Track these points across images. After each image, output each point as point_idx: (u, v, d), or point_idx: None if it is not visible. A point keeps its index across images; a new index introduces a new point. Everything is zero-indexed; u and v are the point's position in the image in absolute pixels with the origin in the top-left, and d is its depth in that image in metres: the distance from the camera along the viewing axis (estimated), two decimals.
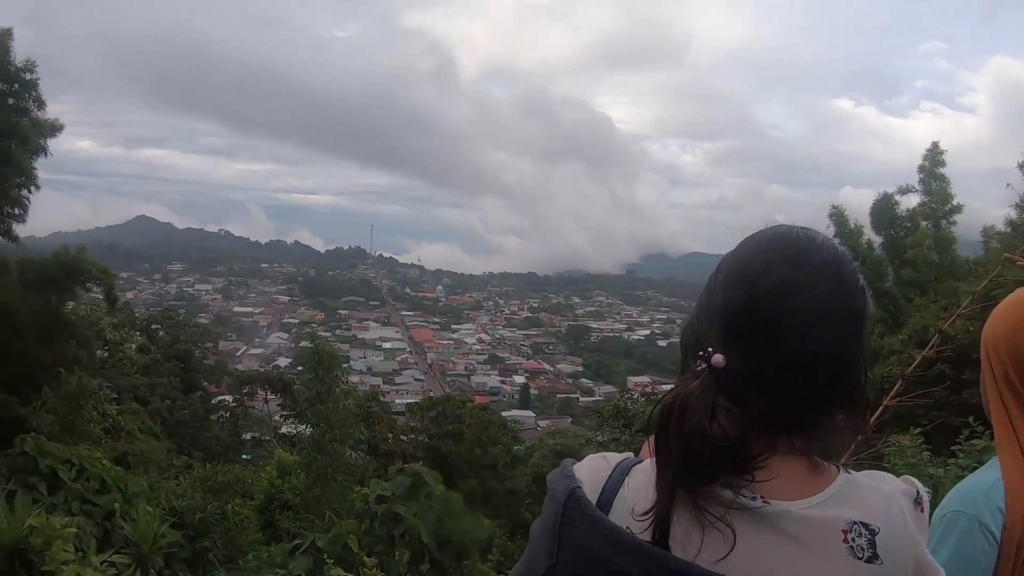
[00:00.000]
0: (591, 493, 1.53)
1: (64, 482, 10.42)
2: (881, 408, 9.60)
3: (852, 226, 26.77)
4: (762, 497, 1.41)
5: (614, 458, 1.65)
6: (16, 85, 18.54)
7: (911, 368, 9.75)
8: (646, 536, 1.42)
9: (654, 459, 1.47)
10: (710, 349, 1.44)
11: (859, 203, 27.53)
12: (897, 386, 9.71)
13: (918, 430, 10.33)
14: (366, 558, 6.71)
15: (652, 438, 1.47)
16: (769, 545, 1.39)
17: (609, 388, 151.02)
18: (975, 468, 2.56)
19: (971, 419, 10.51)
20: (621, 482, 1.57)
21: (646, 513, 1.43)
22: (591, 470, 1.60)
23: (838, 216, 26.84)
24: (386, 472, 9.36)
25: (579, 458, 1.72)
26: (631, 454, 1.74)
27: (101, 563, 7.35)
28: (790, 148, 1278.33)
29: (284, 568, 8.20)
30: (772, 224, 1.65)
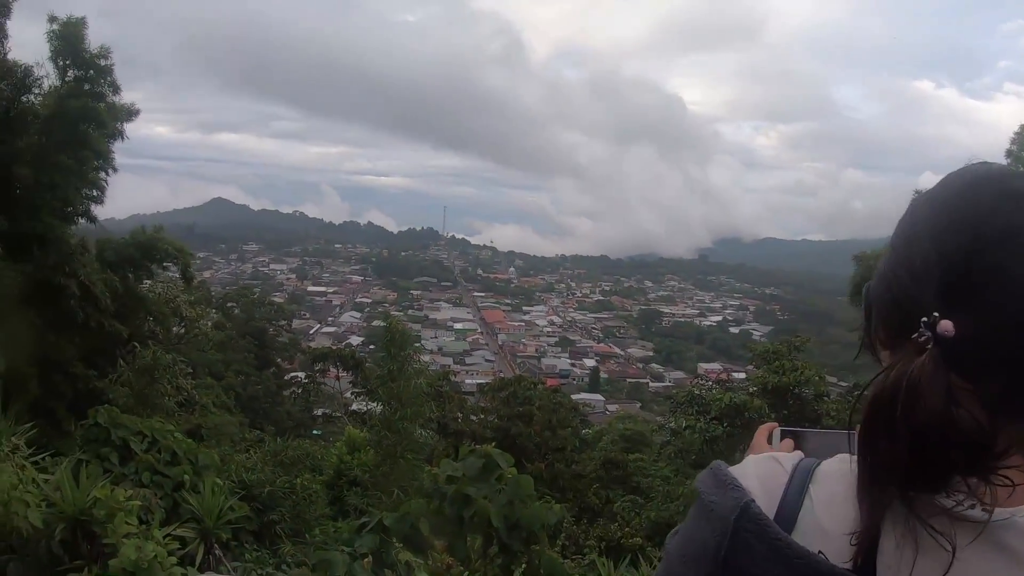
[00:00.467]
0: (767, 507, 1.23)
1: (135, 453, 10.48)
2: None
3: None
4: (980, 503, 1.10)
5: (788, 459, 1.36)
6: (91, 71, 18.79)
7: None
8: (844, 561, 1.13)
9: (855, 459, 1.18)
10: (935, 314, 1.11)
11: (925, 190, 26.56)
12: None
13: None
14: (435, 541, 6.59)
15: (857, 432, 1.15)
16: (987, 564, 1.09)
17: (679, 374, 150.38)
18: None
19: None
20: (803, 491, 1.27)
21: (851, 533, 1.13)
22: (763, 476, 1.31)
23: None
24: (457, 452, 9.19)
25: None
26: (801, 452, 1.48)
27: (164, 536, 7.28)
28: (868, 131, 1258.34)
29: (350, 546, 8.12)
30: (972, 166, 1.31)
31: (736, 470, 1.31)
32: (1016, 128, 27.56)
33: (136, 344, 19.48)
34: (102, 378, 18.76)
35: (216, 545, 9.14)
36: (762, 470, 1.32)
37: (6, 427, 9.94)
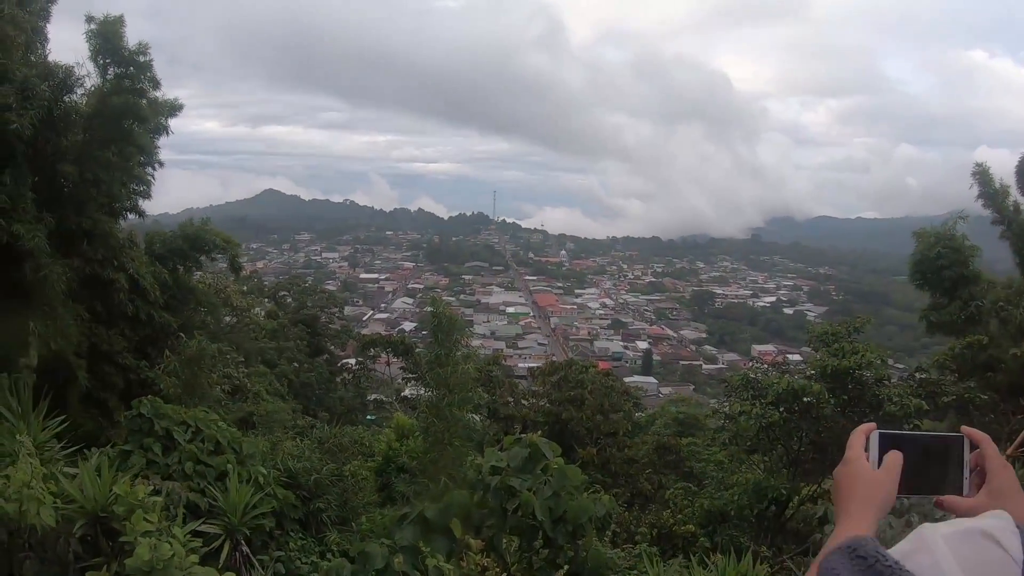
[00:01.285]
0: None
1: (179, 443, 10.42)
2: None
3: (997, 186, 25.08)
4: None
5: (1003, 531, 1.15)
6: (131, 68, 18.84)
7: None
8: None
9: None
10: None
11: (996, 163, 25.70)
12: None
13: None
14: (471, 540, 6.37)
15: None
16: None
17: (733, 356, 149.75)
18: None
19: None
20: None
21: None
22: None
23: (983, 175, 25.16)
24: (504, 440, 8.95)
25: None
26: (1009, 516, 1.22)
27: (186, 535, 7.11)
28: (920, 105, 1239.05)
29: (390, 538, 7.94)
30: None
31: (920, 559, 1.05)
32: None
33: (182, 335, 19.54)
34: (153, 368, 18.89)
35: (243, 542, 8.98)
36: (972, 556, 1.05)
37: (36, 423, 9.90)
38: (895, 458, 1.55)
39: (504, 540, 7.59)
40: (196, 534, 7.82)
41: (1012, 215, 24.95)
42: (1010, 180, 25.75)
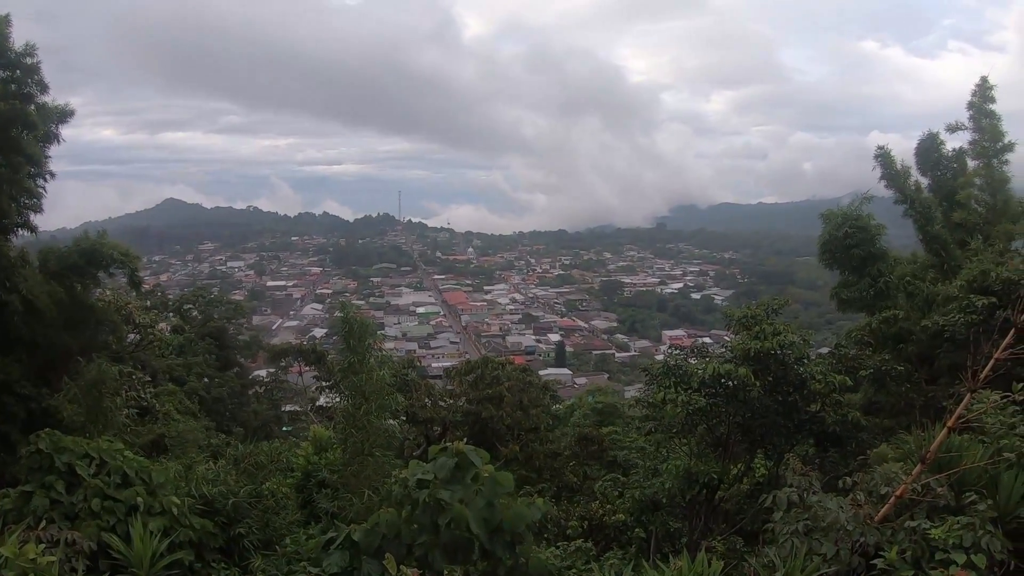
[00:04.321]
0: None
1: (83, 479, 9.76)
2: (992, 362, 8.80)
3: (899, 168, 25.63)
4: None
5: None
6: (17, 71, 17.90)
7: None
8: None
9: None
10: None
11: (888, 147, 26.45)
12: (1009, 336, 8.90)
13: (1022, 385, 9.49)
14: (407, 570, 6.00)
15: None
16: None
17: (644, 343, 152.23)
18: None
19: None
20: None
21: None
22: None
23: (885, 157, 25.69)
24: (428, 442, 8.58)
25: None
26: None
27: None
28: (815, 93, 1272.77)
29: (317, 565, 7.52)
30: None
31: None
32: (970, 81, 27.29)
33: (80, 358, 18.63)
34: (55, 396, 17.96)
35: None
36: None
37: None
38: None
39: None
40: None
41: (914, 194, 25.52)
42: (908, 162, 26.37)
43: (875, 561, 7.70)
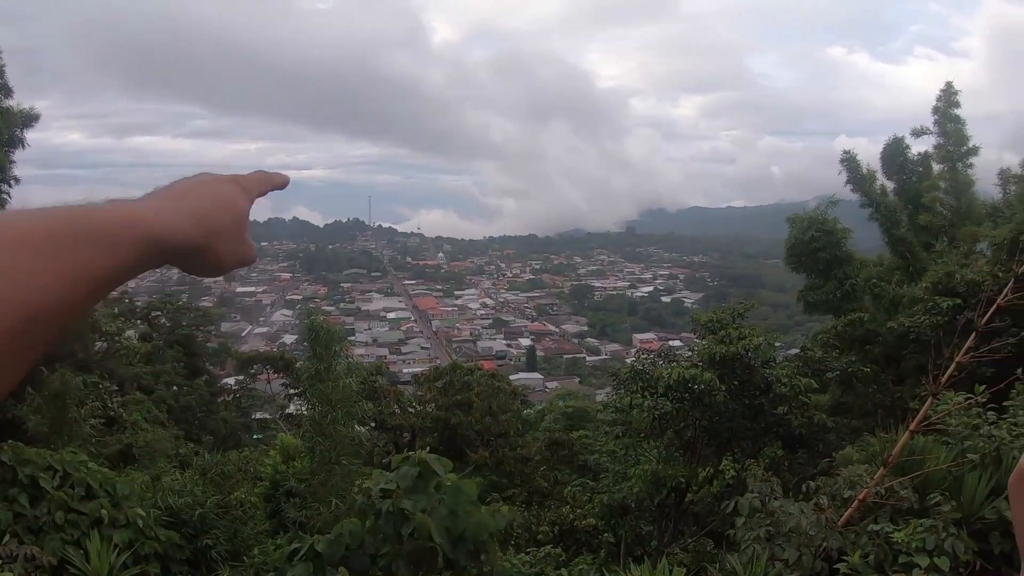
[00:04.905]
0: None
1: (47, 491, 9.65)
2: (954, 364, 8.91)
3: (865, 172, 25.94)
4: None
5: None
6: None
7: (985, 319, 9.01)
8: None
9: None
10: None
11: (856, 151, 26.88)
12: (971, 339, 9.02)
13: (984, 387, 9.61)
14: None
15: None
16: None
17: (615, 346, 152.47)
18: None
19: (1020, 371, 9.82)
20: None
21: None
22: None
23: (850, 162, 26.02)
24: (397, 449, 8.56)
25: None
26: None
27: None
28: (783, 98, 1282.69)
29: None
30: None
31: None
32: (935, 87, 27.68)
33: (44, 368, 18.42)
34: (19, 406, 17.72)
35: None
36: None
37: None
38: None
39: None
40: None
41: (880, 198, 25.84)
42: (874, 166, 26.70)
43: (838, 565, 7.75)
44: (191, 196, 1.04)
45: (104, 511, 9.66)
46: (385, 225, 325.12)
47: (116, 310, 43.33)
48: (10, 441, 10.27)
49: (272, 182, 1.30)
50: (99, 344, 31.61)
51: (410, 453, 7.90)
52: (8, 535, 8.59)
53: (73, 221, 0.84)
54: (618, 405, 18.00)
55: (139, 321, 49.94)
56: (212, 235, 1.04)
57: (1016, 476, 1.28)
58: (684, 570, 7.60)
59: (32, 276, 0.78)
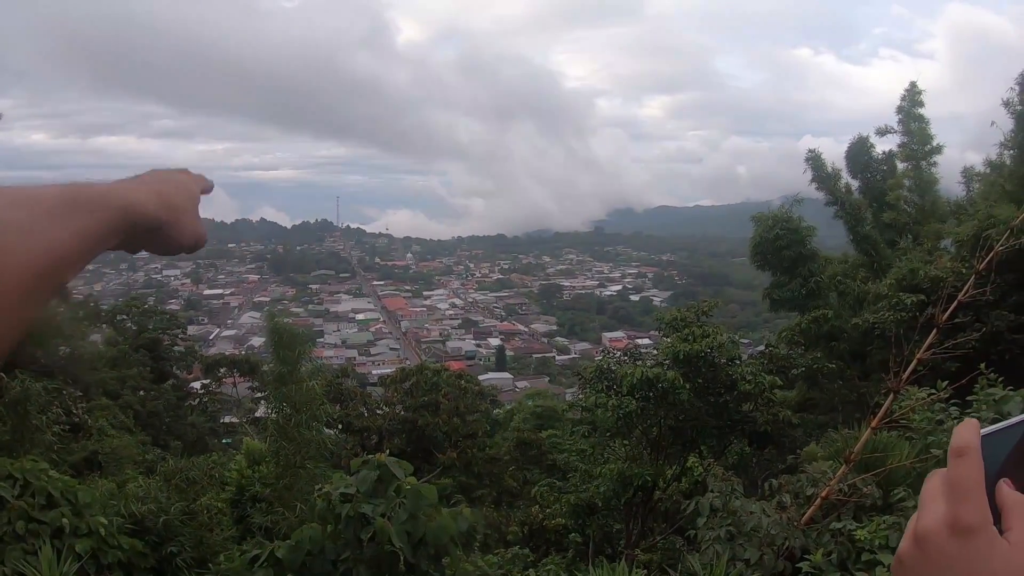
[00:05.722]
0: None
1: (7, 501, 9.52)
2: (915, 361, 8.97)
3: (830, 170, 26.19)
4: None
5: None
6: None
7: (947, 314, 9.07)
8: None
9: None
10: None
11: (821, 151, 27.14)
12: (932, 336, 9.08)
13: (946, 383, 9.70)
14: None
15: None
16: None
17: (584, 345, 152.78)
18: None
19: (982, 366, 9.92)
20: None
21: None
22: None
23: (815, 161, 26.26)
24: (364, 451, 8.50)
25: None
26: None
27: None
28: (750, 99, 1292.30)
29: None
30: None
31: None
32: (900, 87, 28.00)
33: (3, 374, 18.16)
34: None
35: None
36: None
37: None
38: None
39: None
40: None
41: (845, 196, 26.09)
42: (839, 165, 26.95)
43: (801, 564, 7.77)
44: (153, 181, 1.25)
45: (65, 520, 9.54)
46: (353, 226, 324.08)
47: (81, 313, 42.91)
48: None
49: (205, 183, 1.46)
50: (62, 348, 31.26)
51: (369, 456, 7.86)
52: None
53: (71, 190, 1.04)
54: (583, 405, 18.03)
55: (104, 325, 49.50)
56: (173, 211, 1.22)
57: (895, 564, 0.98)
58: (645, 572, 7.61)
59: (46, 232, 0.97)
